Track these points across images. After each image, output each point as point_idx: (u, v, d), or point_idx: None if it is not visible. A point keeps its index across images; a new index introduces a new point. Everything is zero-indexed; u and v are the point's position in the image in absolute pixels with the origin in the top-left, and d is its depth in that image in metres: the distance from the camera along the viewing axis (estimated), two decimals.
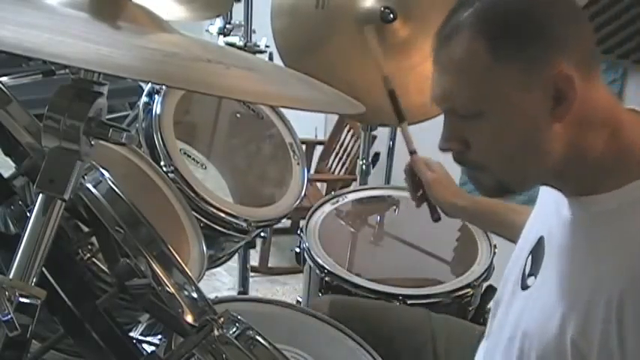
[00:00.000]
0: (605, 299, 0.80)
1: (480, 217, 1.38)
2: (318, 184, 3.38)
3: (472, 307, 1.48)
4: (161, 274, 0.79)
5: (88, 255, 0.93)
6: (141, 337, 1.19)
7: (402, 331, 1.22)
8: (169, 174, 1.38)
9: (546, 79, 0.81)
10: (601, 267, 0.83)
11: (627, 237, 0.83)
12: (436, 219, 1.40)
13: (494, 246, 1.55)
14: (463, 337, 1.30)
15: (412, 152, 1.44)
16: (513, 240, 1.29)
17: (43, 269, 0.71)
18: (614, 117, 0.86)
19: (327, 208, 1.70)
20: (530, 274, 0.98)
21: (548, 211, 0.99)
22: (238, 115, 1.76)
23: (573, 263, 0.89)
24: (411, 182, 1.39)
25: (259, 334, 0.76)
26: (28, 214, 0.70)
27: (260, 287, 2.98)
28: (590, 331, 0.82)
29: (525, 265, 1.00)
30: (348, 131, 3.32)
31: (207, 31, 2.20)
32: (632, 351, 0.78)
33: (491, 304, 1.15)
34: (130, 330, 1.20)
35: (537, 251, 0.98)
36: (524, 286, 0.98)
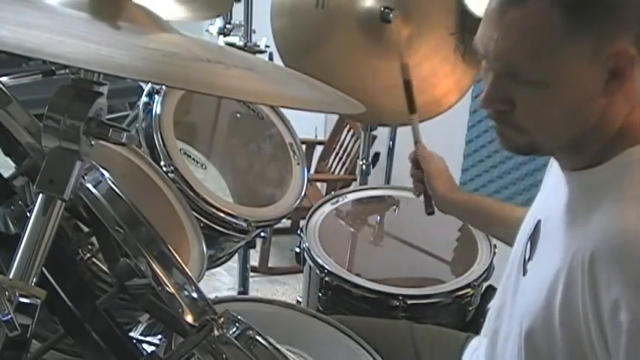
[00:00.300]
0: (580, 263, 0.80)
1: (472, 214, 1.39)
2: (318, 184, 3.38)
3: (472, 307, 1.48)
4: (161, 274, 0.79)
5: (88, 255, 0.93)
6: (141, 337, 1.19)
7: (386, 345, 1.23)
8: (169, 174, 1.38)
9: (610, 54, 0.81)
10: (581, 234, 0.83)
11: (611, 197, 0.83)
12: (429, 212, 1.41)
13: (495, 246, 1.55)
14: (448, 345, 1.29)
15: (417, 142, 1.45)
16: (504, 239, 1.30)
17: (43, 269, 0.71)
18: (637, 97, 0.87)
19: (327, 208, 1.70)
20: (529, 259, 0.99)
21: (548, 195, 1.00)
22: (238, 115, 1.76)
23: (564, 236, 0.89)
24: (413, 171, 1.41)
25: (259, 334, 0.76)
26: (28, 214, 0.70)
27: (260, 287, 2.98)
28: (573, 300, 0.82)
29: (525, 251, 1.01)
30: (348, 131, 3.32)
31: (207, 31, 2.19)
32: (608, 310, 0.77)
33: (491, 304, 1.15)
34: (130, 330, 1.20)
35: (535, 236, 0.99)
36: (525, 272, 0.99)
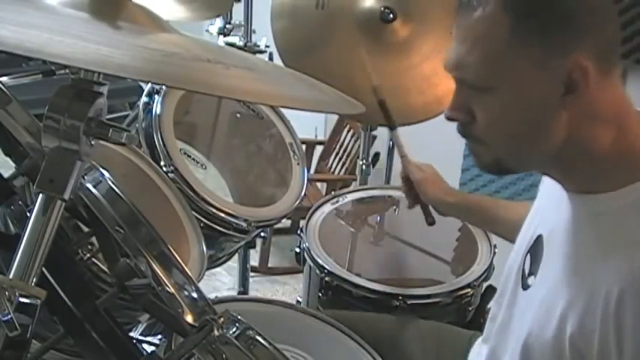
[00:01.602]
0: (603, 299, 0.80)
1: (469, 213, 1.41)
2: (318, 184, 3.38)
3: (472, 307, 1.48)
4: (161, 274, 0.79)
5: (88, 255, 0.93)
6: (141, 337, 1.19)
7: (391, 341, 1.23)
8: (169, 174, 1.38)
9: (562, 66, 0.81)
10: (600, 267, 0.83)
11: (628, 238, 0.82)
12: (430, 223, 1.43)
13: (494, 246, 1.55)
14: (453, 342, 1.29)
15: (403, 156, 1.47)
16: (503, 236, 1.30)
17: (43, 269, 0.71)
18: (623, 116, 0.86)
19: (327, 208, 1.70)
20: (530, 274, 0.98)
21: (548, 208, 0.99)
22: (238, 115, 1.76)
23: (572, 262, 0.88)
24: (406, 186, 1.43)
25: (259, 334, 0.76)
26: (28, 214, 0.70)
27: (260, 287, 2.98)
28: (588, 332, 0.82)
29: (524, 264, 1.00)
30: (348, 131, 3.32)
31: (207, 31, 2.20)
32: (631, 352, 0.78)
33: (491, 305, 1.15)
34: (130, 330, 1.20)
35: (536, 250, 0.98)
36: (525, 286, 0.98)
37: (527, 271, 0.99)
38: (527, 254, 1.00)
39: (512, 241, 1.10)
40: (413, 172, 1.40)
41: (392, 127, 1.53)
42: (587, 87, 0.81)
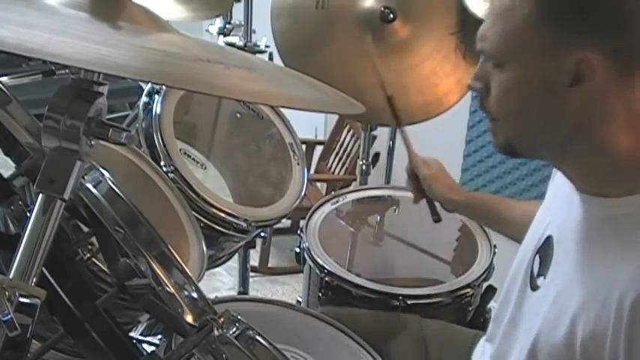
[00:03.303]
0: (616, 304, 0.79)
1: (475, 212, 1.41)
2: (318, 184, 3.38)
3: (472, 307, 1.48)
4: (161, 274, 0.79)
5: (88, 255, 0.93)
6: (141, 337, 1.19)
7: (394, 339, 1.23)
8: (169, 174, 1.38)
9: (571, 57, 0.81)
10: (614, 271, 0.82)
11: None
12: (436, 220, 1.42)
13: (494, 246, 1.55)
14: (456, 341, 1.29)
15: (409, 150, 1.47)
16: (509, 235, 1.29)
17: (43, 269, 0.71)
18: None
19: (327, 208, 1.70)
20: (539, 275, 0.98)
21: (558, 209, 0.99)
22: (238, 115, 1.76)
23: (586, 264, 0.88)
24: (412, 182, 1.42)
25: (259, 334, 0.76)
26: (28, 214, 0.70)
27: (260, 287, 2.98)
28: (600, 337, 0.81)
29: (532, 265, 1.00)
30: (348, 131, 3.32)
31: (207, 31, 2.20)
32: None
33: (492, 305, 1.14)
34: (130, 330, 1.20)
35: (545, 251, 0.98)
36: (534, 287, 0.98)
37: (536, 272, 0.99)
38: (536, 255, 1.00)
39: (518, 240, 1.10)
40: (419, 168, 1.40)
41: (398, 124, 1.53)
42: (593, 84, 0.81)
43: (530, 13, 0.83)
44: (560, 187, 0.98)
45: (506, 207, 1.35)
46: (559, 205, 0.98)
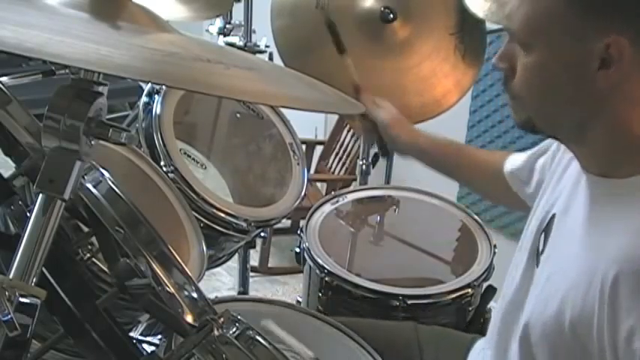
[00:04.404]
0: (601, 281, 0.80)
1: (439, 156, 1.42)
2: (318, 184, 3.38)
3: (472, 308, 1.48)
4: (161, 274, 0.79)
5: (88, 255, 0.93)
6: (141, 337, 1.19)
7: (390, 346, 1.22)
8: (169, 174, 1.38)
9: (601, 41, 0.81)
10: (603, 249, 0.83)
11: (631, 221, 0.82)
12: (384, 154, 1.43)
13: (495, 246, 1.55)
14: (453, 346, 1.29)
15: (357, 87, 1.43)
16: (470, 183, 1.34)
17: (43, 269, 0.71)
18: None
19: (327, 208, 1.70)
20: (542, 252, 0.99)
21: (564, 189, 0.99)
22: (238, 115, 1.76)
23: (583, 244, 0.88)
24: (363, 123, 1.41)
25: (259, 334, 0.76)
26: (28, 214, 0.70)
27: (260, 287, 2.98)
28: (587, 315, 0.81)
29: (539, 244, 1.01)
30: (348, 131, 3.32)
31: (207, 31, 2.20)
32: (624, 339, 0.77)
33: (492, 305, 1.14)
34: (130, 330, 1.20)
35: (549, 228, 0.99)
36: (538, 264, 0.99)
37: (540, 249, 1.00)
38: (541, 234, 1.01)
39: (472, 188, 1.11)
40: (376, 110, 1.38)
41: (340, 51, 1.50)
42: (621, 68, 0.81)
43: None
44: (570, 170, 0.99)
45: (472, 151, 1.37)
46: (566, 184, 0.99)
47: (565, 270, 0.88)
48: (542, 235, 1.00)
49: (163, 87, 1.46)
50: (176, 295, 0.79)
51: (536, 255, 1.00)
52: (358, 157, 2.03)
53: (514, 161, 1.28)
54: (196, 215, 1.37)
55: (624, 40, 0.80)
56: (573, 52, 0.84)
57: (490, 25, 1.64)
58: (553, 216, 0.99)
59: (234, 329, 0.75)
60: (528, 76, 0.89)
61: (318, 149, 3.47)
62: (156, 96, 1.46)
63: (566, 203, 0.97)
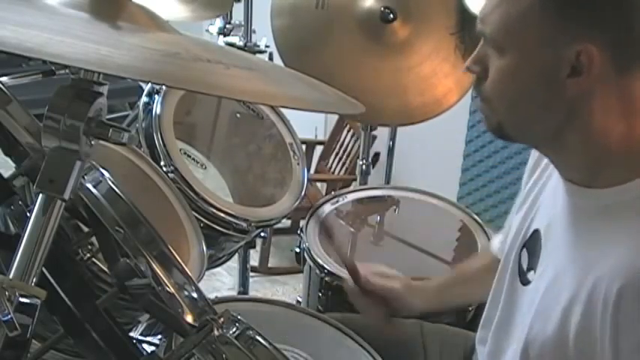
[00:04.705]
0: (603, 295, 0.79)
1: (450, 302, 1.35)
2: (318, 184, 3.37)
3: (472, 307, 1.48)
4: (161, 274, 0.79)
5: (88, 255, 0.93)
6: (141, 337, 1.19)
7: (394, 345, 1.22)
8: (169, 174, 1.38)
9: (572, 48, 0.81)
10: (602, 262, 0.82)
11: (630, 233, 0.82)
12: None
13: None
14: (457, 346, 1.29)
15: (352, 268, 1.24)
16: (480, 300, 1.21)
17: (43, 269, 0.71)
18: (637, 113, 0.86)
19: (327, 208, 1.70)
20: (529, 269, 0.98)
21: (542, 203, 0.99)
22: (238, 115, 1.76)
23: (574, 256, 0.88)
24: (365, 300, 1.25)
25: (259, 334, 0.76)
26: (28, 214, 0.70)
27: (260, 287, 2.98)
28: (591, 329, 0.81)
29: (520, 260, 1.00)
30: (348, 131, 3.32)
31: (207, 31, 2.19)
32: (628, 350, 0.77)
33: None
34: (130, 330, 1.20)
35: (533, 244, 0.98)
36: (525, 282, 0.98)
37: (525, 267, 0.99)
38: (522, 249, 1.00)
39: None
40: (383, 286, 1.24)
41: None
42: (590, 76, 0.81)
43: (531, 3, 0.82)
44: (540, 181, 0.99)
45: (463, 279, 1.31)
46: (542, 199, 0.99)
47: (561, 283, 0.87)
48: (525, 251, 0.99)
49: (163, 87, 1.46)
50: (176, 295, 0.79)
51: (519, 272, 0.99)
52: (358, 157, 2.04)
53: (496, 238, 1.25)
54: (196, 215, 1.37)
55: (594, 48, 0.80)
56: (545, 58, 0.84)
57: None
58: (535, 231, 0.98)
59: (234, 329, 0.75)
60: (500, 80, 0.88)
61: (318, 149, 3.47)
62: (156, 96, 1.46)
63: (549, 216, 0.96)
